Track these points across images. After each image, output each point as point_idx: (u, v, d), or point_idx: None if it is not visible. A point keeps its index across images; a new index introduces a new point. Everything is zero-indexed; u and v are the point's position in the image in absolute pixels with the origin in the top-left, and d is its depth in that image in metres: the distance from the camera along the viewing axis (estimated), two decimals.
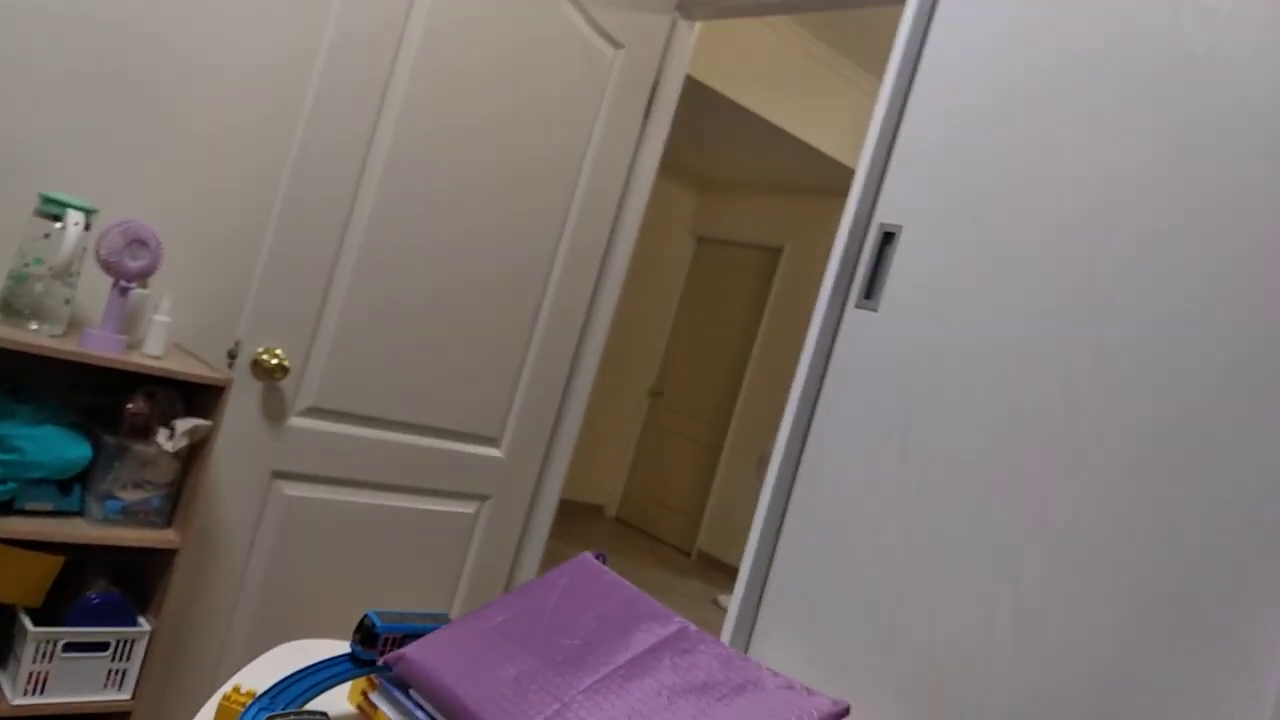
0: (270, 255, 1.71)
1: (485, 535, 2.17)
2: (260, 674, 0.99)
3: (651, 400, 5.95)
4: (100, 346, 1.49)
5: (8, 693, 1.47)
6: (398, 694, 0.80)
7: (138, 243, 1.51)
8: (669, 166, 5.77)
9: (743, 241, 5.76)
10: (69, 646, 1.49)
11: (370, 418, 1.93)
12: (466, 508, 2.13)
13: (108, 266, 1.49)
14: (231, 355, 1.72)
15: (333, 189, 1.76)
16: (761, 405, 5.33)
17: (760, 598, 1.20)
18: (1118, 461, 0.96)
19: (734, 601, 1.21)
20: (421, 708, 0.78)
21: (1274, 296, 0.91)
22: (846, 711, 0.73)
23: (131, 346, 1.59)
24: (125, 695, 1.55)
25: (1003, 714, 0.99)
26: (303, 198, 1.73)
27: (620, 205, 2.26)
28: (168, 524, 1.59)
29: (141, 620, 1.57)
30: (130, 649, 1.54)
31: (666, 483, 5.71)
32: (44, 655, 1.47)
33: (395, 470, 1.99)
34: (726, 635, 1.22)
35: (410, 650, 0.81)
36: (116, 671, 1.54)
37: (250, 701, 0.86)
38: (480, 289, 2.02)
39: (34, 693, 1.47)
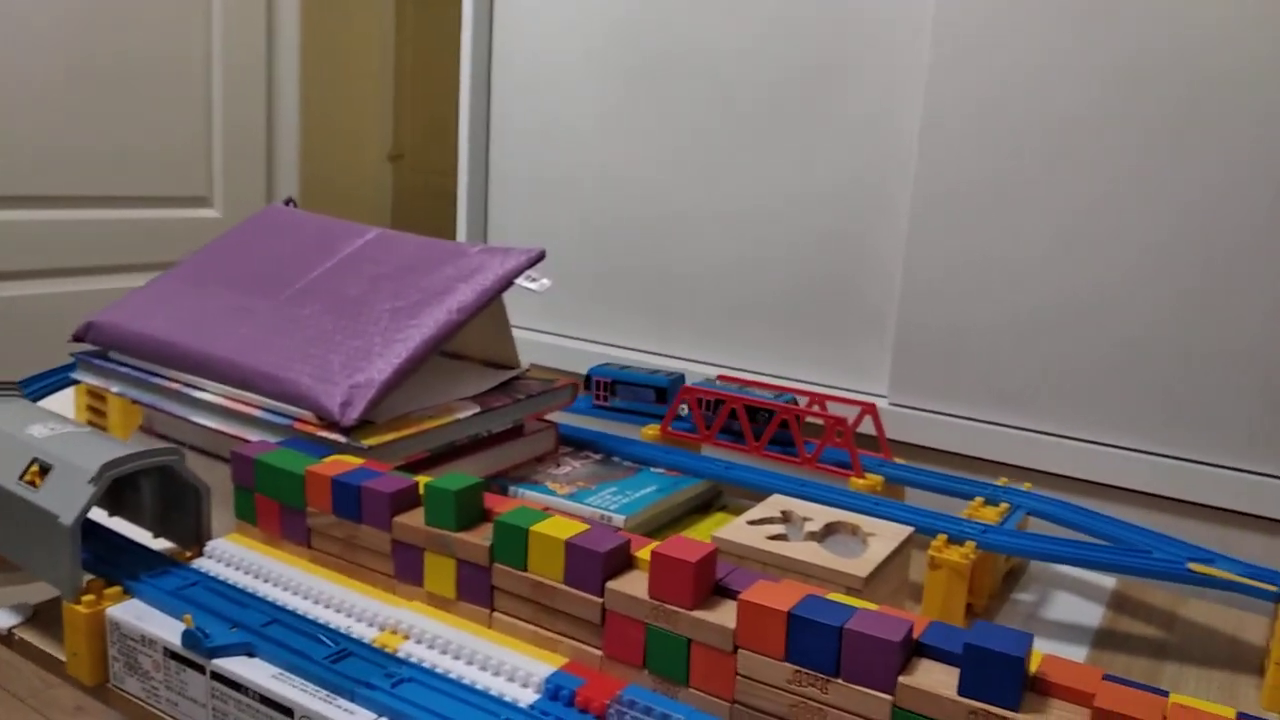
0: None
1: None
2: None
3: (394, 165, 5.69)
4: None
5: None
6: (97, 361, 0.77)
7: None
8: None
9: None
10: None
11: (52, 198, 1.73)
12: None
13: None
14: None
15: None
16: None
17: (485, 221, 1.22)
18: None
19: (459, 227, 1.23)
20: (122, 363, 0.76)
21: None
22: (542, 255, 0.77)
23: None
24: None
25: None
26: None
27: None
28: None
29: None
30: None
31: None
32: None
33: (107, 250, 1.83)
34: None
35: (95, 316, 0.77)
36: None
37: None
38: (126, 34, 1.80)
39: None
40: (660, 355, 1.12)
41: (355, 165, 5.70)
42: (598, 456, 0.83)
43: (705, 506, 0.81)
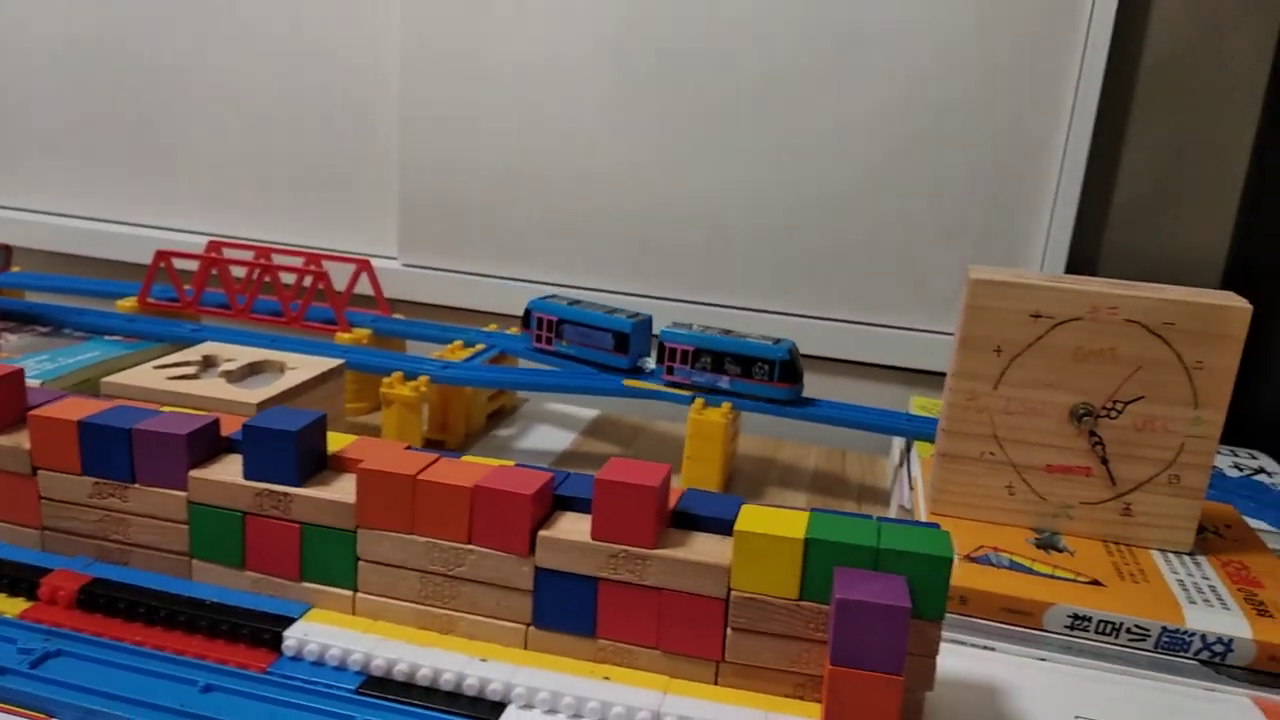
0: None
1: None
2: None
3: None
4: None
5: None
6: None
7: None
8: None
9: None
10: None
11: None
12: None
13: None
14: None
15: None
16: None
17: None
18: None
19: None
20: None
21: None
22: None
23: None
24: None
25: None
26: None
27: None
28: None
29: None
30: None
31: None
32: None
33: None
34: None
35: None
36: None
37: None
38: None
39: None
40: (150, 228, 1.02)
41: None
42: (45, 329, 0.74)
43: None
